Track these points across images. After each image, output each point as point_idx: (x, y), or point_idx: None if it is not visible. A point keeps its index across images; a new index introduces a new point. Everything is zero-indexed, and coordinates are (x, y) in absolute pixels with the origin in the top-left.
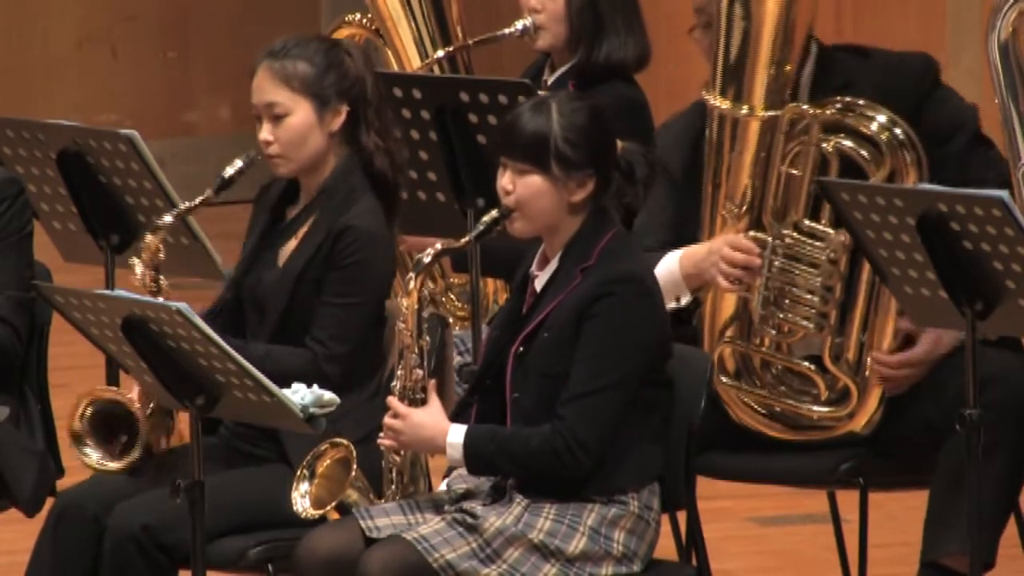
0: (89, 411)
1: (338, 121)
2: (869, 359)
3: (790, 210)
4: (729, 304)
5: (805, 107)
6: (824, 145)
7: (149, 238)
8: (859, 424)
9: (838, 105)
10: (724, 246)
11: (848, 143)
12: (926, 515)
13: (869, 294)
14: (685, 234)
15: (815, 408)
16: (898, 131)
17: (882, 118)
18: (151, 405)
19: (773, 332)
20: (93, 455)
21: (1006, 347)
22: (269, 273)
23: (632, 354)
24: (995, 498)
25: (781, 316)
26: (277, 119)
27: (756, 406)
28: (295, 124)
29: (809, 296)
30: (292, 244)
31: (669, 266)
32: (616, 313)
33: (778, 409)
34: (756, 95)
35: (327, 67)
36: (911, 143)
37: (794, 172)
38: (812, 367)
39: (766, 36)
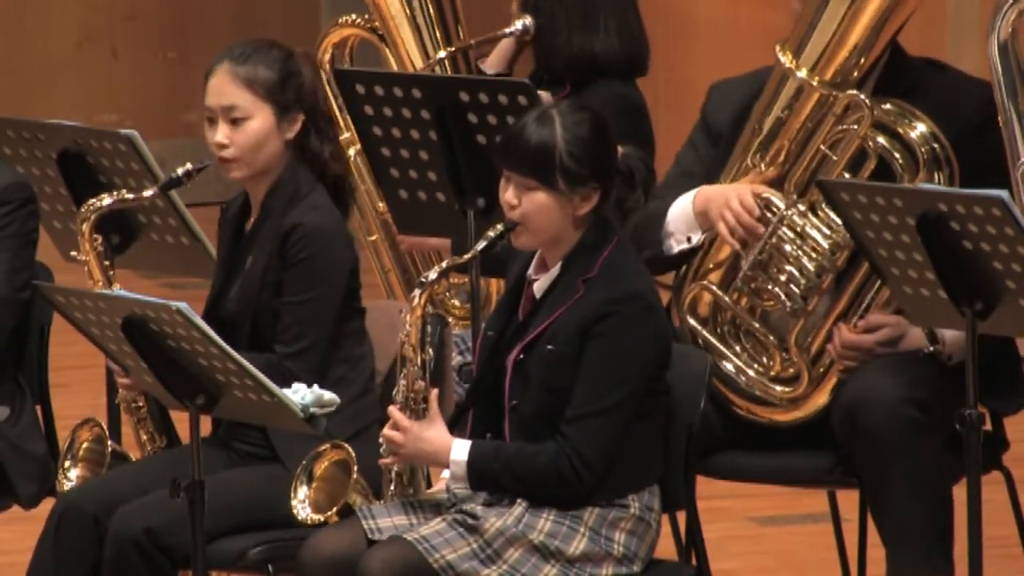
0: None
1: (295, 129)
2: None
3: (812, 189)
4: (727, 248)
5: (863, 98)
6: (869, 142)
7: (84, 228)
8: (798, 415)
9: (892, 105)
10: (736, 198)
11: (887, 144)
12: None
13: (856, 294)
14: None
15: (760, 378)
16: (936, 146)
17: (924, 129)
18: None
19: (753, 295)
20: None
21: (873, 366)
22: (235, 288)
23: (636, 373)
24: (919, 517)
25: (765, 283)
26: (235, 122)
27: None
28: (255, 129)
29: (798, 276)
30: (251, 255)
31: (683, 204)
32: (620, 333)
33: (728, 367)
34: (828, 70)
35: (288, 75)
36: (947, 160)
37: (831, 155)
38: (775, 341)
39: (863, 22)
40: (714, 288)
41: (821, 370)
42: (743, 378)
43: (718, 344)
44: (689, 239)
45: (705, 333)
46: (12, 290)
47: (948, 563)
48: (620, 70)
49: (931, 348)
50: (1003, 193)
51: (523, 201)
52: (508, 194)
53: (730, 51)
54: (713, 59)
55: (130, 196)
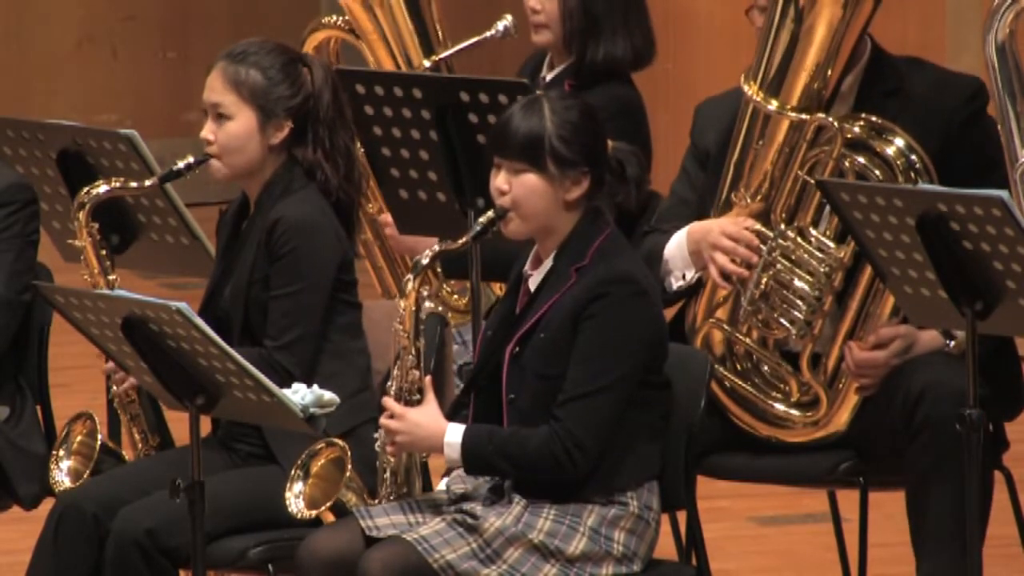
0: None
1: (279, 136)
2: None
3: (799, 214)
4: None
5: (830, 120)
6: (844, 161)
7: (80, 215)
8: (824, 433)
9: (862, 123)
10: (723, 237)
11: (864, 161)
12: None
13: (860, 309)
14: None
15: (780, 406)
16: (914, 158)
17: (900, 143)
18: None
19: (760, 326)
20: (61, 477)
21: (934, 359)
22: (228, 286)
23: (628, 355)
24: (953, 521)
25: (769, 314)
26: (220, 120)
27: (731, 390)
28: (235, 130)
29: (799, 302)
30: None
31: (679, 240)
32: (611, 314)
33: (748, 398)
34: (792, 96)
35: (280, 80)
36: (925, 170)
37: (809, 180)
38: (789, 368)
39: (814, 45)
40: (724, 325)
41: (839, 387)
42: (769, 415)
43: (739, 381)
44: (684, 275)
45: (724, 371)
46: (14, 292)
47: (979, 568)
48: (623, 72)
49: (950, 344)
50: (1003, 193)
51: (513, 185)
52: (499, 180)
53: (730, 51)
54: (713, 59)
55: (132, 184)
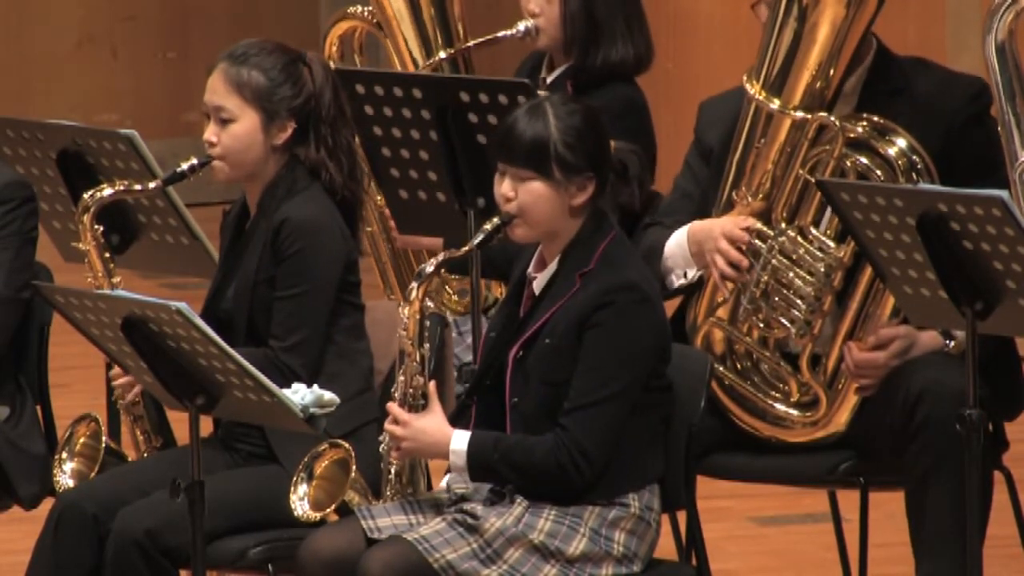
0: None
1: (283, 136)
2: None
3: (800, 214)
4: (729, 283)
5: (832, 119)
6: (845, 161)
7: (84, 218)
8: (824, 433)
9: (865, 124)
10: (723, 238)
11: (865, 161)
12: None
13: (860, 310)
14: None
15: (780, 406)
16: (916, 159)
17: (903, 143)
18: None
19: (761, 325)
20: (64, 478)
21: (934, 359)
22: (232, 286)
23: (633, 363)
24: (953, 521)
25: (768, 312)
26: (223, 123)
27: (731, 389)
28: (239, 132)
29: (799, 301)
30: (246, 253)
31: (679, 239)
32: (617, 323)
33: (748, 398)
34: (795, 95)
35: (282, 81)
36: (927, 171)
37: (811, 179)
38: (789, 368)
39: (817, 43)
40: (724, 324)
41: (839, 388)
42: (769, 414)
43: (739, 381)
44: (686, 274)
45: (724, 371)
46: (13, 290)
47: (979, 568)
48: (626, 73)
49: (949, 344)
50: (1003, 193)
51: (519, 192)
52: (504, 187)
53: (730, 51)
54: (713, 59)
55: (137, 187)
